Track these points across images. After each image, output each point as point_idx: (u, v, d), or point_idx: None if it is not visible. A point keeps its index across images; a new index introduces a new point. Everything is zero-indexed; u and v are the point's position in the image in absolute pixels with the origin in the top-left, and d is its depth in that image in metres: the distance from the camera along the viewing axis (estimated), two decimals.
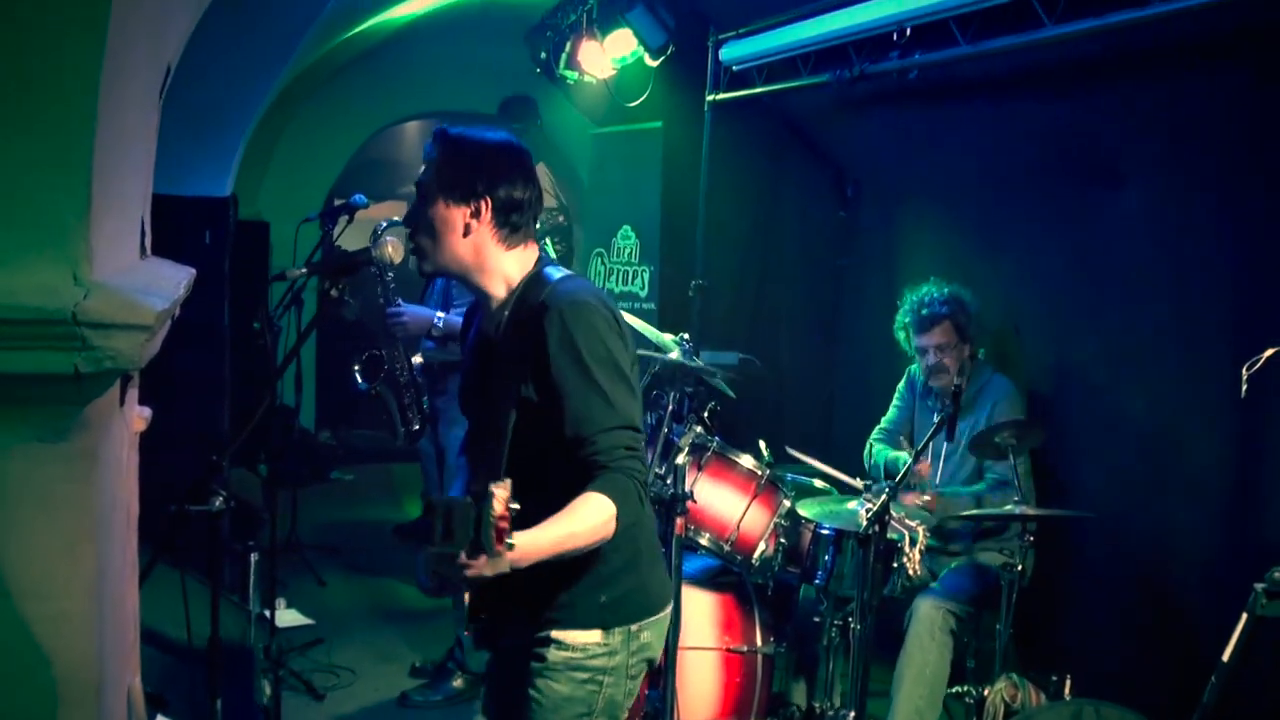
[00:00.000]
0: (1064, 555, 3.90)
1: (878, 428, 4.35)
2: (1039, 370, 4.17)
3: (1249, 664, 2.55)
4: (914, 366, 4.21)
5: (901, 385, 4.32)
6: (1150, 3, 2.92)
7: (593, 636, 2.10)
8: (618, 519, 1.99)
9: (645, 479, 2.06)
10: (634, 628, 2.13)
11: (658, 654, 2.22)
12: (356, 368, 4.20)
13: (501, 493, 1.80)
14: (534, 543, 1.92)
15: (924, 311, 3.93)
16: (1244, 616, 2.55)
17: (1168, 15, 2.89)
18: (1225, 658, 2.57)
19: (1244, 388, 2.52)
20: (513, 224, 2.15)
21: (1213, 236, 3.41)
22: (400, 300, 4.01)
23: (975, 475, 3.94)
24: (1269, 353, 2.53)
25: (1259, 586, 2.53)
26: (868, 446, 4.30)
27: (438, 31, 7.07)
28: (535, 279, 2.17)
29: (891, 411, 4.33)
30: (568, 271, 2.21)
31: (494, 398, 2.14)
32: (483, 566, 1.83)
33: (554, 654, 2.09)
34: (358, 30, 6.39)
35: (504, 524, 1.80)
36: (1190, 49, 3.24)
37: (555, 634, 2.10)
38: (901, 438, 4.25)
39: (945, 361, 3.89)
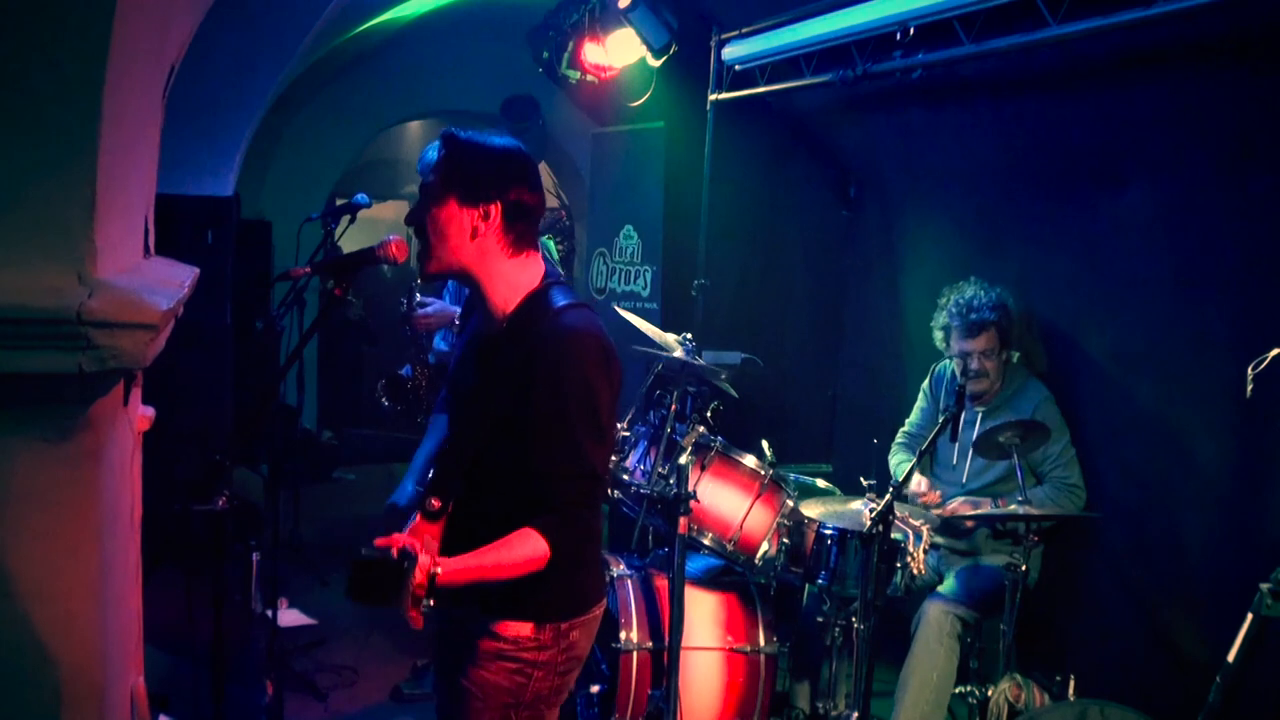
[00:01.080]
0: (1069, 555, 3.89)
1: (901, 430, 4.27)
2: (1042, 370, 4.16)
3: (1254, 664, 2.55)
4: (939, 365, 4.13)
5: (926, 384, 4.21)
6: (1155, 2, 2.91)
7: (524, 629, 2.18)
8: (551, 558, 2.08)
9: (595, 514, 2.19)
10: (564, 626, 2.21)
11: (584, 653, 2.30)
12: (383, 398, 4.66)
13: (424, 560, 1.98)
14: (461, 570, 2.07)
15: (972, 317, 3.77)
16: (1249, 617, 2.56)
17: (1172, 14, 2.88)
18: (1230, 658, 2.57)
19: (1249, 388, 2.52)
20: (519, 230, 2.17)
21: (1218, 236, 3.40)
22: (419, 294, 4.14)
23: (1010, 476, 3.72)
24: (1274, 352, 2.53)
25: (1264, 587, 2.53)
26: (891, 450, 4.24)
27: (440, 31, 7.08)
28: (541, 298, 2.19)
29: (915, 414, 4.23)
30: (574, 297, 2.23)
31: (476, 401, 2.21)
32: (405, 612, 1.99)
33: (487, 644, 2.19)
34: (360, 30, 6.39)
35: (420, 591, 1.97)
36: (1195, 48, 3.23)
37: (492, 625, 2.19)
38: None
39: (986, 366, 3.80)
